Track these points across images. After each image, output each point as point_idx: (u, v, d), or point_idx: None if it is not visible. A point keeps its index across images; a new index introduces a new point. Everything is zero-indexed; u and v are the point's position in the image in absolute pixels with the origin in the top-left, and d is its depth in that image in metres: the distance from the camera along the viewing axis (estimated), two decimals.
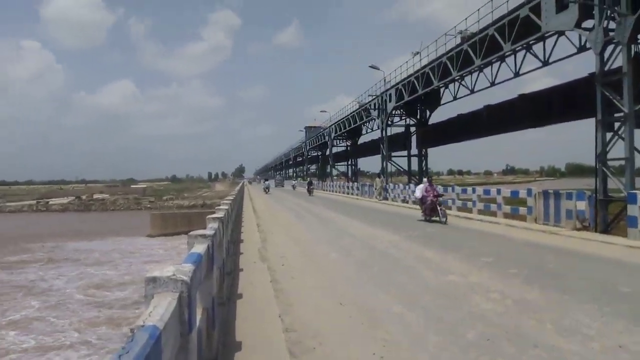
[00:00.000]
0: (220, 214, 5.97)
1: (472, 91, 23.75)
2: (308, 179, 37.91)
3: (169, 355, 1.72)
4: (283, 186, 65.63)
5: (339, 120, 48.24)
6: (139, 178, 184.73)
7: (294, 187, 53.10)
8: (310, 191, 35.38)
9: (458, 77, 23.71)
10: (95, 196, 72.67)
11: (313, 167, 78.63)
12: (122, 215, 50.41)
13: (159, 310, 1.76)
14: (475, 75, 22.93)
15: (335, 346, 3.94)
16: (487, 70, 21.60)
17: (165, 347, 1.63)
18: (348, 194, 34.53)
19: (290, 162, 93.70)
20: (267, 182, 47.78)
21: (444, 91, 27.67)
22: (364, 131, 44.21)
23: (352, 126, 43.68)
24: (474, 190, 16.80)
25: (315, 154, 70.83)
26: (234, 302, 5.37)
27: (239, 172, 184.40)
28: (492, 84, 21.59)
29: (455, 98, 25.91)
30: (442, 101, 28.84)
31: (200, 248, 3.27)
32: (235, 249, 9.34)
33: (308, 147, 69.79)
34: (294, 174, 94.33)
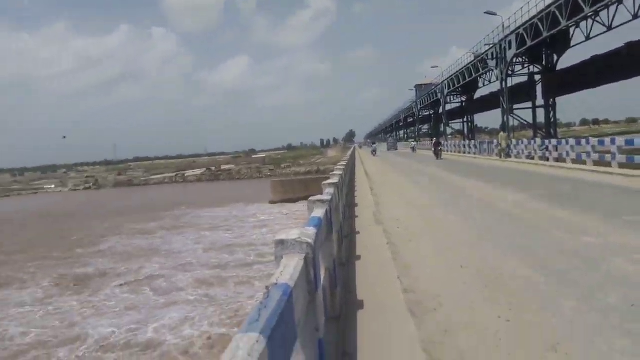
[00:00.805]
0: (334, 180, 6.14)
1: (610, 28, 20.60)
2: (434, 139, 32.27)
3: (300, 311, 1.87)
4: (397, 149, 59.47)
5: (452, 75, 45.64)
6: (259, 148, 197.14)
7: (413, 149, 45.24)
8: (437, 153, 27.75)
9: (591, 13, 20.70)
10: (222, 167, 79.44)
11: (425, 127, 76.10)
12: (246, 183, 54.50)
13: (289, 270, 1.92)
14: (613, 8, 19.81)
15: (456, 308, 3.90)
16: (628, 0, 18.52)
17: (296, 304, 1.77)
18: (464, 152, 32.92)
19: (401, 124, 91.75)
20: (374, 146, 51.84)
21: (574, 31, 24.44)
22: (480, 84, 41.33)
23: (467, 80, 41.04)
24: (612, 142, 14.83)
25: (427, 113, 68.30)
26: (353, 263, 5.56)
27: (350, 137, 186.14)
28: (635, 16, 18.48)
29: (588, 38, 22.76)
30: (572, 43, 25.53)
31: (319, 212, 3.43)
32: (350, 212, 9.57)
33: (419, 107, 67.52)
34: (405, 136, 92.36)
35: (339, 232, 5.40)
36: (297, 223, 21.74)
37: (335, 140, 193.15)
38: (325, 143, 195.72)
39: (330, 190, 5.02)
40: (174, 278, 14.14)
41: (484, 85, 40.18)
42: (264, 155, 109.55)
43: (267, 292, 1.68)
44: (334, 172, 7.84)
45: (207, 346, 9.03)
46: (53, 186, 76.04)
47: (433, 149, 29.02)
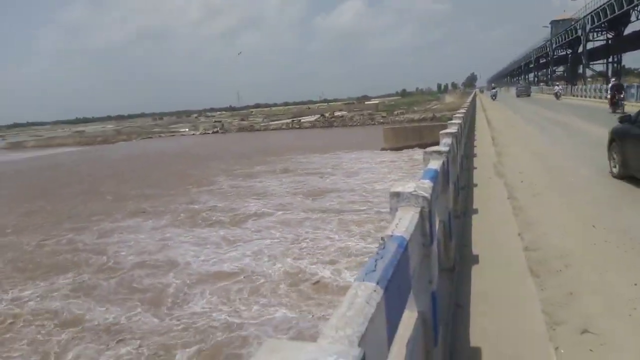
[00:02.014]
0: (453, 129, 5.86)
1: None
2: (612, 80, 23.41)
3: (415, 263, 1.88)
4: (529, 95, 49.76)
5: (597, 8, 39.41)
6: (372, 94, 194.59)
7: (557, 95, 37.27)
8: (617, 104, 19.03)
9: None
10: (335, 114, 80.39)
11: (559, 69, 67.85)
12: (358, 130, 54.69)
13: (404, 223, 1.92)
14: None
15: (585, 270, 3.60)
16: None
17: (411, 256, 1.79)
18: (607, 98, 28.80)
19: (531, 66, 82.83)
20: (494, 90, 49.09)
21: None
22: (632, 17, 35.17)
23: (616, 13, 35.15)
24: None
25: (563, 53, 60.51)
26: (469, 216, 5.37)
27: (470, 81, 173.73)
28: None
29: None
30: None
31: (436, 164, 3.33)
32: (468, 163, 9.14)
33: (554, 46, 59.99)
34: (535, 79, 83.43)
35: (455, 184, 5.22)
36: (407, 172, 21.45)
37: (454, 85, 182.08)
38: (442, 88, 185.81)
39: (448, 140, 4.81)
40: (268, 217, 15.03)
41: (638, 19, 34.12)
42: (377, 102, 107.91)
43: (382, 243, 1.71)
44: (452, 121, 7.47)
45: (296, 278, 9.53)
46: (187, 130, 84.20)
47: (610, 97, 19.98)
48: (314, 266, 10.25)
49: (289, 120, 78.37)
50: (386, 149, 30.99)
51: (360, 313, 1.15)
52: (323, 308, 8.19)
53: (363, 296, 1.23)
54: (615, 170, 6.87)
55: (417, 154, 26.39)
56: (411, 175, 20.42)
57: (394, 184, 2.30)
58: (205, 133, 76.32)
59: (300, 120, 76.41)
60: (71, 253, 12.68)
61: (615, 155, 6.89)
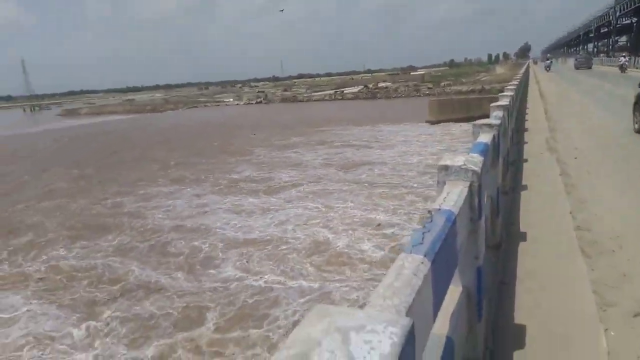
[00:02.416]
0: (504, 102, 5.62)
1: None
2: None
3: (461, 238, 1.85)
4: (590, 67, 43.37)
5: None
6: (418, 65, 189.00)
7: (623, 67, 31.84)
8: None
9: None
10: (379, 85, 78.89)
11: (622, 39, 63.11)
12: (403, 101, 53.53)
13: (452, 197, 1.89)
14: None
15: None
16: None
17: (459, 231, 1.76)
18: None
19: (591, 35, 77.48)
20: (548, 62, 50.41)
21: None
22: None
23: None
24: None
25: (627, 21, 56.10)
26: (518, 192, 5.20)
27: (523, 51, 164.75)
28: None
29: None
30: None
31: (486, 137, 3.22)
32: (519, 137, 8.79)
33: (617, 14, 55.66)
34: (594, 50, 78.13)
35: (505, 159, 5.05)
36: (448, 146, 20.93)
37: (505, 56, 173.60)
38: (492, 59, 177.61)
39: (499, 113, 4.63)
40: (300, 188, 15.22)
41: None
42: (423, 72, 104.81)
43: (430, 216, 1.69)
44: (504, 93, 7.15)
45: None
46: (231, 99, 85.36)
47: None
48: (336, 235, 10.47)
49: (331, 92, 77.69)
50: (431, 122, 30.24)
51: (407, 284, 1.15)
52: (343, 276, 8.44)
53: (410, 268, 1.23)
54: (637, 126, 8.39)
55: (461, 127, 25.63)
56: (450, 149, 19.96)
57: (443, 156, 2.24)
58: (248, 103, 77.08)
59: (343, 91, 75.57)
60: (114, 216, 13.39)
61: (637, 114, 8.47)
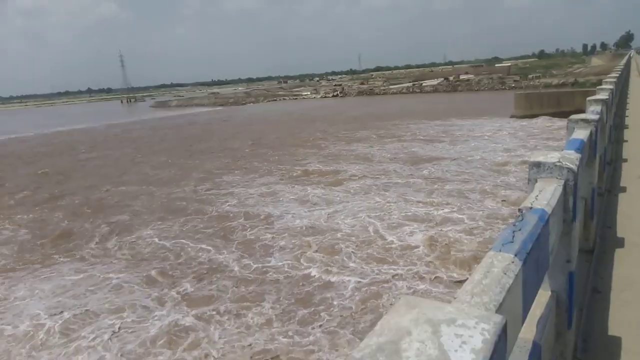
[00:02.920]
0: (603, 95, 5.17)
1: None
2: None
3: (554, 238, 1.75)
4: None
5: None
6: (503, 56, 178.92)
7: None
8: None
9: None
10: (461, 77, 75.88)
11: None
12: (486, 95, 51.08)
13: (545, 195, 1.79)
14: None
15: None
16: None
17: (551, 231, 1.67)
18: None
19: None
20: None
21: None
22: None
23: None
24: None
25: None
26: (616, 194, 4.77)
27: (625, 41, 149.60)
28: None
29: None
30: None
31: (582, 134, 3.00)
32: (618, 135, 8.04)
33: None
34: None
35: (602, 157, 4.66)
36: (539, 143, 19.63)
37: (604, 46, 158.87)
38: (588, 49, 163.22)
39: (597, 107, 4.27)
40: (363, 181, 15.12)
41: None
42: (509, 64, 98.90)
43: (520, 214, 1.61)
44: (602, 87, 6.57)
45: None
46: (308, 93, 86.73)
47: None
48: (390, 230, 10.43)
49: (409, 84, 76.12)
50: (516, 117, 28.57)
51: (497, 282, 1.12)
52: (393, 269, 8.53)
53: (500, 266, 1.20)
54: None
55: (550, 122, 23.92)
56: (528, 146, 18.76)
57: (533, 153, 2.13)
58: (325, 96, 77.82)
59: (421, 84, 73.69)
60: (190, 201, 14.42)
61: None
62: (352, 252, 9.46)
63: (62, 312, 7.87)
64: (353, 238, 10.17)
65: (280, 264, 9.18)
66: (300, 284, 8.27)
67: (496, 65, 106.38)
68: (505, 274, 1.16)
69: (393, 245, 9.68)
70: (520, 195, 12.28)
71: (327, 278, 8.37)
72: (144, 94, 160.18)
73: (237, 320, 7.15)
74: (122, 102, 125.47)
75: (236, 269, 9.06)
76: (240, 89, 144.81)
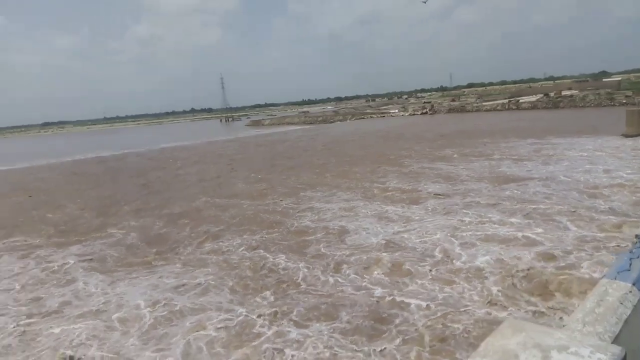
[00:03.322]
0: None
1: None
2: None
3: None
4: None
5: None
6: (612, 70, 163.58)
7: None
8: None
9: None
10: (563, 93, 70.58)
11: None
12: (592, 112, 46.89)
13: None
14: None
15: None
16: None
17: None
18: None
19: None
20: None
21: None
22: None
23: None
24: None
25: None
26: None
27: None
28: None
29: None
30: None
31: None
32: None
33: None
34: None
35: None
36: (629, 163, 17.56)
37: None
38: None
39: None
40: (443, 200, 14.45)
41: None
42: (619, 79, 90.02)
43: (637, 241, 1.47)
44: None
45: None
46: (396, 111, 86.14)
47: None
48: (465, 251, 9.99)
49: (504, 101, 72.42)
50: (630, 136, 25.87)
51: (612, 312, 1.03)
52: (466, 290, 8.18)
53: (615, 295, 1.09)
54: None
55: None
56: (629, 166, 16.77)
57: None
58: (413, 114, 76.76)
59: (518, 100, 69.73)
60: (273, 214, 14.94)
61: None
62: (425, 271, 9.17)
63: (157, 305, 8.63)
64: (428, 258, 9.85)
65: (350, 278, 9.15)
66: (369, 300, 8.18)
67: (604, 80, 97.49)
68: (621, 303, 1.06)
69: (466, 267, 9.21)
70: (621, 220, 11.06)
71: (395, 296, 8.19)
72: (240, 114, 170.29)
73: (303, 330, 7.23)
74: (220, 121, 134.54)
75: (305, 283, 9.18)
76: (328, 107, 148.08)
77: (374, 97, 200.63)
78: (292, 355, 6.74)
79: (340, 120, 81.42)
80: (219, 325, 7.83)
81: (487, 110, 66.73)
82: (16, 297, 9.99)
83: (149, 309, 8.70)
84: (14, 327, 8.49)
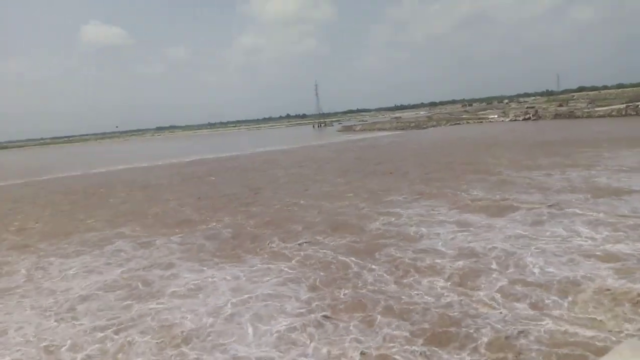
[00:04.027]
0: None
1: None
2: None
3: None
4: None
5: None
6: None
7: None
8: None
9: None
10: None
11: None
12: None
13: None
14: None
15: None
16: None
17: None
18: None
19: None
20: None
21: None
22: None
23: None
24: None
25: None
26: None
27: None
28: None
29: None
30: None
31: None
32: None
33: None
34: None
35: None
36: None
37: None
38: None
39: None
40: (534, 210, 13.60)
41: None
42: None
43: None
44: None
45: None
46: (495, 116, 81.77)
47: None
48: (551, 266, 9.46)
49: (621, 106, 65.46)
50: None
51: None
52: (547, 308, 7.49)
53: None
54: None
55: None
56: None
57: None
58: (514, 119, 72.52)
59: (637, 105, 62.68)
60: (352, 217, 15.17)
61: None
62: (502, 285, 8.91)
63: (243, 295, 9.54)
64: (508, 271, 9.53)
65: (424, 286, 9.21)
66: (440, 306, 8.22)
67: None
68: None
69: (555, 279, 8.80)
70: None
71: (467, 307, 8.11)
72: (333, 119, 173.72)
73: (370, 328, 7.51)
74: (313, 126, 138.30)
75: (389, 288, 9.42)
76: (422, 113, 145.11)
77: (470, 101, 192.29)
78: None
79: (433, 126, 79.57)
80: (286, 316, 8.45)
81: (600, 117, 60.93)
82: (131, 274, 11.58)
83: (231, 297, 9.62)
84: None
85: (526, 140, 37.39)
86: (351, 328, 7.78)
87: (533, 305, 7.97)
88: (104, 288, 10.83)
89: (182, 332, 8.24)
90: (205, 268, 11.68)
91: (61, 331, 8.70)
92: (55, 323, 9.11)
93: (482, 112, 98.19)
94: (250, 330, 8.07)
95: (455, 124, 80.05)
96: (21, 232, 18.25)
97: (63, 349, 8.02)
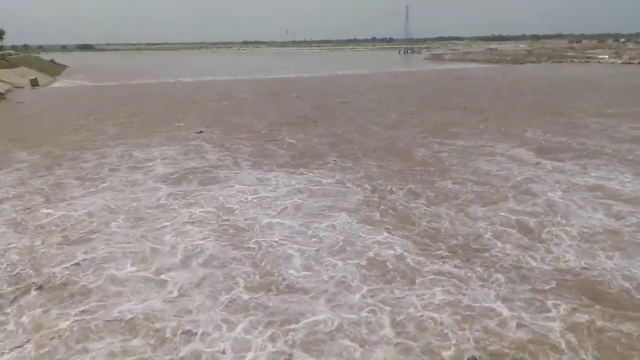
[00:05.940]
0: None
1: None
2: None
3: None
4: None
5: None
6: None
7: None
8: None
9: None
10: None
11: None
12: None
13: None
14: None
15: None
16: None
17: None
18: None
19: None
20: None
21: None
22: None
23: None
24: None
25: None
26: None
27: None
28: None
29: None
30: None
31: None
32: None
33: None
34: None
35: None
36: None
37: None
38: None
39: None
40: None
41: None
42: None
43: None
44: None
45: None
46: (606, 56, 72.55)
47: None
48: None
49: None
50: None
51: None
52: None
53: None
54: None
55: None
56: None
57: None
58: (629, 62, 64.19)
59: None
60: (412, 145, 15.24)
61: None
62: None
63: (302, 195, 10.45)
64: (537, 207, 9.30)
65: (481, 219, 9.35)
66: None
67: None
68: None
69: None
70: None
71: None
72: (421, 46, 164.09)
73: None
74: (399, 52, 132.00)
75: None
76: (521, 46, 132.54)
77: (579, 37, 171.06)
78: None
79: (532, 62, 72.86)
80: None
81: None
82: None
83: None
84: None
85: (628, 87, 33.42)
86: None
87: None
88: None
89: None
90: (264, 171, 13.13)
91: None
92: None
93: (591, 51, 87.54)
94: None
95: (558, 61, 72.67)
96: (121, 125, 20.45)
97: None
